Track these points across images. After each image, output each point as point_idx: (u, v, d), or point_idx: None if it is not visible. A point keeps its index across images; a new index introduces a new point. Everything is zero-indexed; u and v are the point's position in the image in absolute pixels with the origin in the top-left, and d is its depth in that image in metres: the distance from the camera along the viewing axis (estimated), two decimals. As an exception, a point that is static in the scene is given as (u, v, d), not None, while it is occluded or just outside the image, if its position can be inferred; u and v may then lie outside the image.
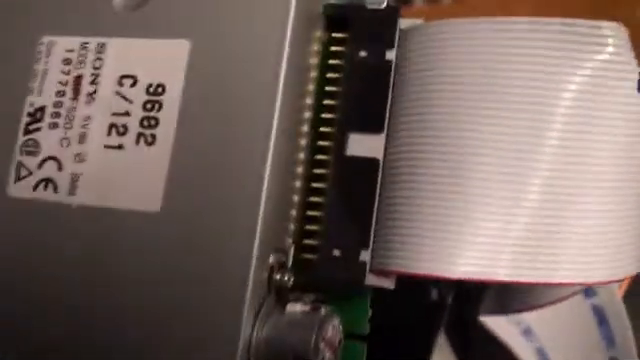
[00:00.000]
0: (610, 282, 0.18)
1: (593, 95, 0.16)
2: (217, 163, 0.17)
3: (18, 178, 0.19)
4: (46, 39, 0.19)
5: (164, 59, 0.18)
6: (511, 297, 0.23)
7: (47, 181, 0.18)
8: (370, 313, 0.19)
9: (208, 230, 0.17)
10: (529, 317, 0.25)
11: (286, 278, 0.17)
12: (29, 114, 0.19)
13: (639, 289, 0.25)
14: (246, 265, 0.17)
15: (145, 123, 0.18)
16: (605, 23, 0.17)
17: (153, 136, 0.18)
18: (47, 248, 0.18)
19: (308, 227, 0.18)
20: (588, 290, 0.24)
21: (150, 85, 0.18)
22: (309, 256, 0.18)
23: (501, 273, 0.17)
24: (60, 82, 0.19)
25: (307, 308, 0.17)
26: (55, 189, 0.18)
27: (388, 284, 0.18)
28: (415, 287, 0.24)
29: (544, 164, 0.17)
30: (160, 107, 0.18)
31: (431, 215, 0.17)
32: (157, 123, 0.18)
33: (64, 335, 0.17)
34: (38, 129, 0.19)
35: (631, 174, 0.17)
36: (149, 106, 0.18)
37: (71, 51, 0.19)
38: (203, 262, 0.17)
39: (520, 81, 0.17)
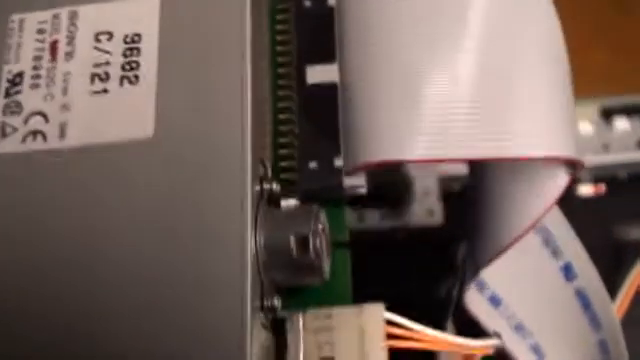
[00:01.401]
0: (550, 157, 0.20)
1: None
2: (200, 87, 0.19)
3: (3, 135, 0.19)
4: (16, 17, 0.21)
5: (137, 13, 0.20)
6: (476, 260, 0.24)
7: (35, 133, 0.19)
8: (347, 223, 0.21)
9: (202, 146, 0.18)
10: (519, 311, 0.24)
11: (274, 186, 0.19)
12: (8, 80, 0.20)
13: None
14: (243, 172, 0.18)
15: (127, 67, 0.20)
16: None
17: (136, 76, 0.19)
18: (43, 196, 0.19)
19: (281, 151, 0.21)
20: (568, 273, 0.24)
21: (127, 35, 0.20)
22: (286, 176, 0.20)
23: (453, 152, 0.19)
24: (36, 49, 0.20)
25: (299, 203, 0.19)
26: (44, 138, 0.19)
27: (360, 182, 0.20)
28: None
29: (475, 52, 0.20)
30: (139, 52, 0.20)
31: (383, 109, 0.19)
32: (138, 65, 0.20)
33: (69, 289, 0.18)
34: (19, 92, 0.20)
35: (557, 63, 0.20)
36: (128, 52, 0.20)
37: (44, 22, 0.20)
38: (203, 177, 0.18)
39: None
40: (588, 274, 0.24)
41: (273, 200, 0.19)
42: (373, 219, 0.27)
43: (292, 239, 0.18)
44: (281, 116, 0.21)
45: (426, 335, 0.19)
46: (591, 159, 0.29)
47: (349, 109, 0.20)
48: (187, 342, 0.17)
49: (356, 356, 0.19)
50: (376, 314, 0.19)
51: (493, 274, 0.22)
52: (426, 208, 0.28)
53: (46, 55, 0.20)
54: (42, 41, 0.20)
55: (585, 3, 0.30)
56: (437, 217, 0.28)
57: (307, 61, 0.21)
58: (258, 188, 0.19)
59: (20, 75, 0.20)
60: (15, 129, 0.19)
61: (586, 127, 0.30)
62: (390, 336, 0.19)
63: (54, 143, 0.19)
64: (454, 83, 0.20)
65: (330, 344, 0.19)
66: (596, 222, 0.28)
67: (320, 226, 0.18)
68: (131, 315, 0.17)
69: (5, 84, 0.20)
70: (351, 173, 0.20)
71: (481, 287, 0.23)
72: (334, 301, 0.20)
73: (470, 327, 0.24)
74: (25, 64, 0.20)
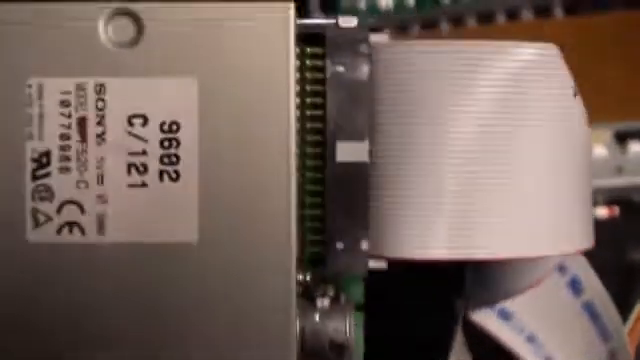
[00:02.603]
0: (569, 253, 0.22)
1: (519, 96, 0.21)
2: (244, 188, 0.19)
3: (37, 224, 0.19)
4: (33, 81, 0.19)
5: (173, 97, 0.19)
6: (492, 289, 0.25)
7: (71, 224, 0.19)
8: (363, 287, 0.22)
9: (248, 252, 0.19)
10: (530, 324, 0.26)
11: (307, 277, 0.20)
12: (34, 160, 0.19)
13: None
14: (289, 273, 0.19)
15: (166, 160, 0.19)
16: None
17: (176, 172, 0.19)
18: (81, 290, 0.19)
19: (310, 225, 0.21)
20: (576, 288, 0.25)
21: (163, 123, 0.19)
22: (314, 250, 0.21)
23: (474, 253, 0.21)
24: (62, 125, 0.19)
25: (330, 300, 0.20)
26: (82, 232, 0.19)
27: (382, 265, 0.21)
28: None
29: (493, 159, 0.21)
30: (178, 144, 0.19)
31: (409, 208, 0.21)
32: (178, 160, 0.19)
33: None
34: (47, 174, 0.19)
35: (566, 159, 0.21)
36: (166, 144, 0.19)
37: (67, 93, 0.19)
38: (248, 281, 0.19)
39: (463, 95, 0.20)
40: (595, 287, 0.25)
41: (305, 291, 0.20)
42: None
43: (328, 344, 0.20)
44: (310, 187, 0.21)
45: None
46: (605, 182, 0.30)
47: (378, 195, 0.21)
48: None
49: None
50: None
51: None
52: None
53: (74, 134, 0.19)
54: (68, 116, 0.19)
55: (600, 24, 0.29)
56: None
57: (337, 136, 0.21)
58: (300, 277, 0.20)
59: (47, 155, 0.19)
60: (49, 218, 0.19)
61: (600, 150, 0.30)
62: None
63: (93, 238, 0.19)
64: (478, 189, 0.21)
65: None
66: (610, 244, 0.29)
67: (353, 325, 0.20)
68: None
69: (31, 164, 0.19)
70: (372, 257, 0.21)
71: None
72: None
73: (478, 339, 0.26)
74: (51, 142, 0.19)
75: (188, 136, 0.19)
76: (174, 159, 0.19)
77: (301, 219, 0.21)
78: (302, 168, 0.21)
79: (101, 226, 0.19)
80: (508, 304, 0.25)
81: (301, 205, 0.21)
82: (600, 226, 0.29)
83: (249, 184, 0.19)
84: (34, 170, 0.19)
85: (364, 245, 0.21)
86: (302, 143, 0.21)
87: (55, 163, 0.19)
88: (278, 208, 0.19)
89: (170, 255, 0.19)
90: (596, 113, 0.28)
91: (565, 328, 0.25)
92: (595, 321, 0.25)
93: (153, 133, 0.19)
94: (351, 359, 0.20)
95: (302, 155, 0.21)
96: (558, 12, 0.32)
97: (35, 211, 0.19)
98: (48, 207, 0.19)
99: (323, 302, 0.20)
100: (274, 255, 0.19)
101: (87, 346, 0.19)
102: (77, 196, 0.19)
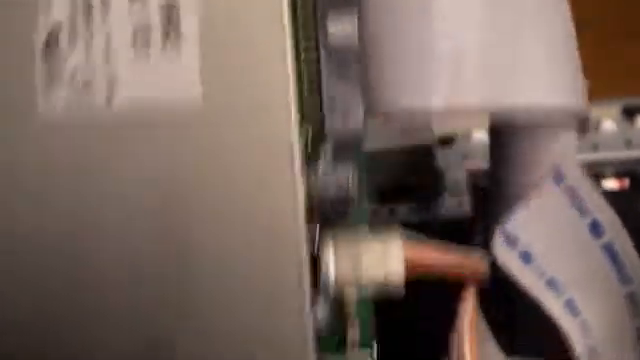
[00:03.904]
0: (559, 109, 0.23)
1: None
2: (244, 58, 0.20)
3: (48, 93, 0.20)
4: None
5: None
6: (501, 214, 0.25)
7: (81, 94, 0.20)
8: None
9: (250, 119, 0.20)
10: (550, 267, 0.25)
11: (309, 149, 0.22)
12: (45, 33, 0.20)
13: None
14: (290, 129, 0.20)
15: (167, 33, 0.20)
16: None
17: (178, 43, 0.20)
18: (94, 156, 0.20)
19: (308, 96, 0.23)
20: (596, 231, 0.25)
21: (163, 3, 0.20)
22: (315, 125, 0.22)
23: (468, 101, 0.22)
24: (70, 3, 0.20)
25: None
26: (92, 99, 0.20)
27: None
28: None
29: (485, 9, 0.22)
30: (178, 18, 0.20)
31: (404, 60, 0.22)
32: (179, 33, 0.20)
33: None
34: (58, 45, 0.20)
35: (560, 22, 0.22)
36: (165, 20, 0.20)
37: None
38: (250, 136, 0.20)
39: None
40: (615, 228, 0.25)
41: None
42: (404, 213, 0.30)
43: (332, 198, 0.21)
44: (304, 54, 0.22)
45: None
46: (614, 155, 0.32)
47: (369, 59, 0.22)
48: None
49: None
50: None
51: (524, 231, 0.24)
52: (455, 201, 0.30)
53: (81, 10, 0.20)
54: (74, -10, 0.20)
55: (609, 2, 0.30)
56: (465, 209, 0.30)
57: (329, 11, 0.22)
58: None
59: (57, 28, 0.20)
60: (61, 87, 0.20)
61: (610, 125, 0.32)
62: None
63: (102, 106, 0.20)
64: (467, 38, 0.22)
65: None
66: (620, 214, 0.27)
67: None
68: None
69: (42, 37, 0.20)
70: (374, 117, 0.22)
71: (512, 243, 0.24)
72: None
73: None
74: (61, 15, 0.20)
75: (187, 11, 0.20)
76: (174, 33, 0.20)
77: (298, 93, 0.22)
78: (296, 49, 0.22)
79: (110, 95, 0.20)
80: (528, 246, 0.25)
81: (299, 77, 0.22)
82: (610, 197, 0.27)
83: (248, 55, 0.20)
84: (46, 41, 0.20)
85: (360, 113, 0.22)
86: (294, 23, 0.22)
87: (65, 36, 0.20)
88: (278, 77, 0.20)
89: (175, 121, 0.20)
90: (605, 89, 0.29)
91: (585, 270, 0.25)
92: (614, 263, 0.25)
93: (153, 11, 0.20)
94: (351, 211, 0.21)
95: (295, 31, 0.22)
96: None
97: (48, 79, 0.20)
98: (60, 77, 0.20)
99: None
100: (275, 122, 0.20)
101: (96, 224, 0.20)
102: (86, 67, 0.20)
